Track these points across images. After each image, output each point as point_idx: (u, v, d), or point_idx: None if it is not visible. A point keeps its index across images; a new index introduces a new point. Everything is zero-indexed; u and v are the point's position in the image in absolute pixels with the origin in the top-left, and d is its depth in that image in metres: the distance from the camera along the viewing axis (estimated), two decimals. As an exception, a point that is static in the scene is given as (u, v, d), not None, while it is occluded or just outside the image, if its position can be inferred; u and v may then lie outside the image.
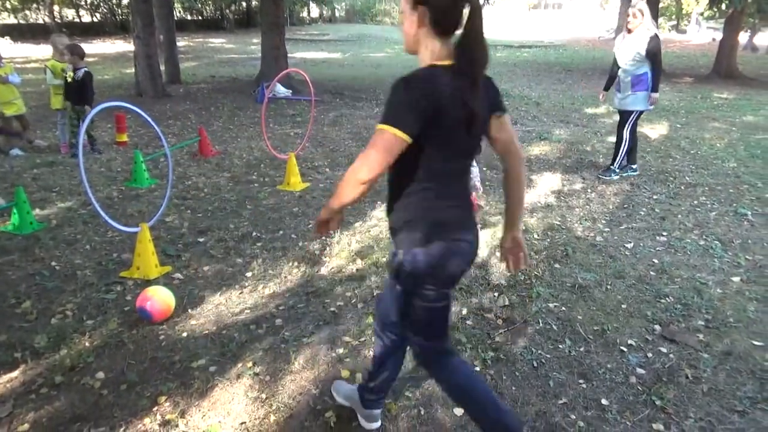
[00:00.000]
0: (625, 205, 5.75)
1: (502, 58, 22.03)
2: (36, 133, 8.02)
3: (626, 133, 6.41)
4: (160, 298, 3.47)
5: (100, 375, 3.02)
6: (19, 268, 4.22)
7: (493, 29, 39.14)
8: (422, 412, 2.80)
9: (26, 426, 2.66)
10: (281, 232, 4.94)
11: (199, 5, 35.72)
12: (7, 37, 23.59)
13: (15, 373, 3.04)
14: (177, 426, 2.68)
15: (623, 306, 3.83)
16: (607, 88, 6.82)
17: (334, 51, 23.92)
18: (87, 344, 3.29)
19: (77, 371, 3.06)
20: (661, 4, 21.49)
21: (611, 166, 6.62)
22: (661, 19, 23.56)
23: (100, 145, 7.67)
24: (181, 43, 19.53)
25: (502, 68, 18.44)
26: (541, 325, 3.58)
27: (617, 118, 6.66)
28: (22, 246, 4.59)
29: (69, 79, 7.07)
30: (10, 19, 28.65)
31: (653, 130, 9.22)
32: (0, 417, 2.71)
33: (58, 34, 8.36)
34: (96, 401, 2.84)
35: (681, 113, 10.93)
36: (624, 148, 6.46)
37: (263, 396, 2.89)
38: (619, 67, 6.34)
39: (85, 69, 7.05)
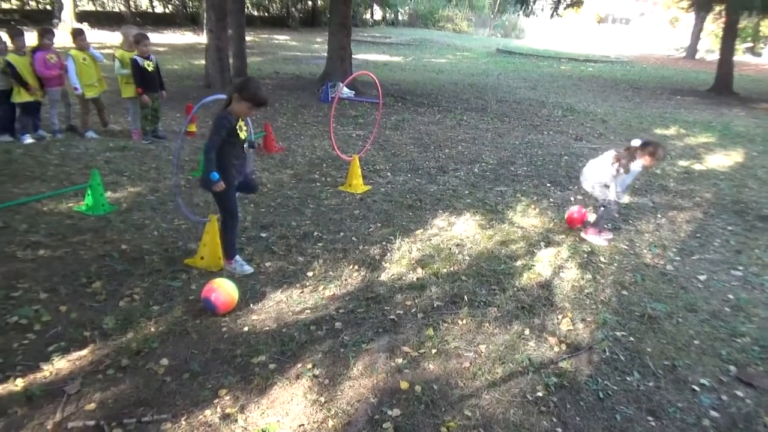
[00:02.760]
0: (698, 234, 5.49)
1: (566, 72, 21.55)
2: (110, 117, 8.31)
3: None
4: (225, 291, 3.52)
5: (164, 361, 3.08)
6: (91, 248, 4.36)
7: (556, 41, 38.43)
8: (482, 434, 2.72)
9: (93, 405, 2.73)
10: (342, 233, 4.94)
11: (267, 2, 36.48)
12: (85, 23, 24.68)
13: (84, 352, 3.13)
14: (236, 421, 2.70)
15: (695, 342, 3.64)
16: None
17: (395, 54, 23.96)
18: (152, 329, 3.36)
19: (142, 355, 3.12)
20: (738, 25, 20.53)
21: None
22: (736, 41, 22.41)
23: (169, 134, 7.90)
24: (248, 38, 19.92)
25: (567, 82, 18.04)
26: (607, 354, 3.44)
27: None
28: (94, 227, 4.75)
29: (150, 69, 7.29)
30: (89, 6, 29.98)
31: (727, 158, 8.80)
32: (69, 394, 2.79)
33: (129, 26, 8.65)
34: (159, 387, 2.89)
35: (757, 140, 10.39)
36: None
37: (322, 399, 2.88)
38: None
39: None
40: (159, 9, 33.08)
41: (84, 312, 3.50)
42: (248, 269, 4.14)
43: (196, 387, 2.91)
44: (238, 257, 4.17)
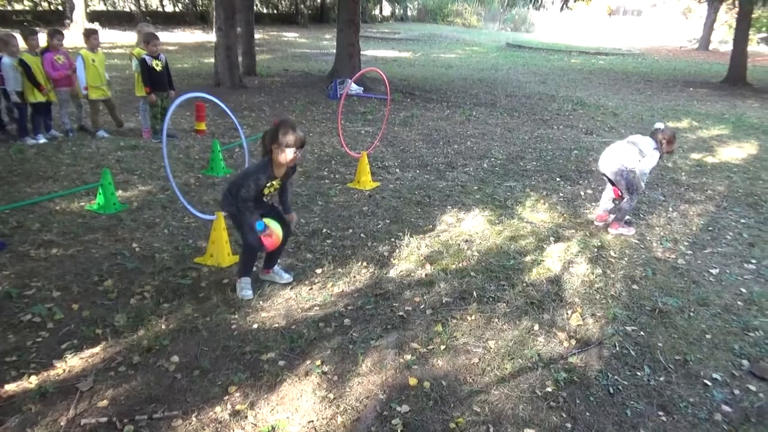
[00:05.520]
0: (710, 228, 5.44)
1: (576, 65, 21.39)
2: (122, 117, 8.36)
3: None
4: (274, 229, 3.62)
5: (175, 359, 3.11)
6: (103, 246, 4.41)
7: (567, 34, 38.12)
8: (491, 430, 2.72)
9: (105, 402, 2.76)
10: (350, 230, 4.94)
11: (276, -1, 36.56)
12: (96, 23, 24.86)
13: (96, 349, 3.16)
14: (246, 417, 2.71)
15: (707, 336, 3.61)
16: None
17: (404, 50, 23.90)
18: (163, 327, 3.39)
19: (153, 353, 3.15)
20: (752, 15, 20.23)
21: None
22: (750, 31, 22.13)
23: (179, 132, 7.95)
24: (257, 36, 19.96)
25: (577, 75, 17.90)
26: (617, 348, 3.42)
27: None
28: (105, 225, 4.79)
29: (158, 68, 7.33)
30: (100, 6, 30.18)
31: (741, 150, 8.70)
32: (82, 390, 2.83)
33: (146, 24, 8.71)
34: (170, 384, 2.91)
35: (771, 132, 10.26)
36: None
37: (331, 396, 2.89)
38: None
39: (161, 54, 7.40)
40: (169, 8, 33.22)
41: (96, 310, 3.54)
42: (245, 294, 3.74)
43: (206, 384, 2.94)
44: (245, 279, 3.80)
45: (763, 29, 35.55)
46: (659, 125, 5.03)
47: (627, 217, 5.25)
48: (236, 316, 3.55)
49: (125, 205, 5.22)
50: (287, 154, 3.47)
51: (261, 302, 3.72)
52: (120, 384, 2.90)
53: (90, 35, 7.47)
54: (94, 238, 4.54)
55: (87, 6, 25.93)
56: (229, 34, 11.72)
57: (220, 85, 11.88)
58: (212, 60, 12.84)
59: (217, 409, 2.76)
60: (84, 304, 3.59)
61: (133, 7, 30.57)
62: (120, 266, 4.10)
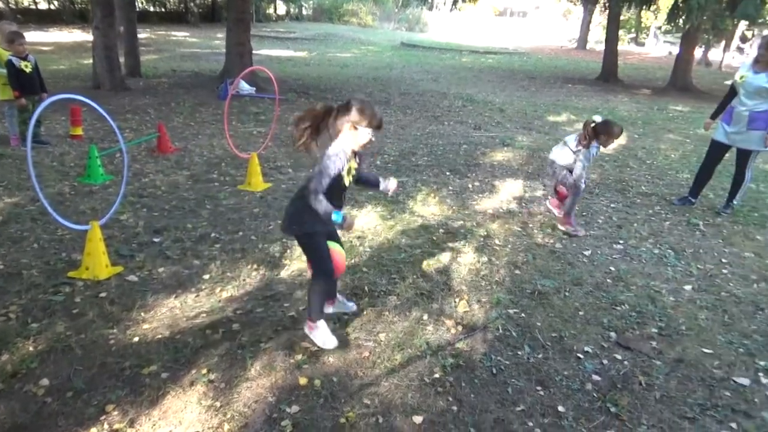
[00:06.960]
0: (584, 213, 5.86)
1: (467, 64, 22.22)
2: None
3: (748, 172, 5.95)
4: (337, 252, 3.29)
5: (45, 382, 2.88)
6: (-40, 266, 4.00)
7: (458, 34, 39.50)
8: (380, 420, 2.77)
9: (-39, 436, 2.52)
10: (241, 233, 4.83)
11: (163, -3, 34.89)
12: (-44, 22, 22.53)
13: (-49, 380, 2.87)
14: (125, 436, 2.58)
15: (580, 313, 3.89)
16: (714, 117, 6.20)
17: (300, 49, 23.68)
18: (31, 349, 3.13)
19: (19, 378, 2.90)
20: (621, 17, 22.09)
21: (731, 203, 6.14)
22: (620, 32, 24.30)
23: (53, 138, 7.38)
24: (143, 35, 18.99)
25: (467, 73, 18.60)
26: (500, 331, 3.60)
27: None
28: (-37, 243, 4.36)
29: (28, 70, 6.76)
30: (-40, 3, 27.36)
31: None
32: (-68, 427, 2.55)
33: (8, 22, 8.00)
34: (39, 410, 2.70)
35: (638, 124, 11.24)
36: (745, 184, 6.01)
37: (217, 404, 2.81)
38: (734, 99, 5.86)
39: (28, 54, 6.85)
40: (43, 5, 30.73)
41: (-50, 336, 3.21)
42: (331, 342, 3.28)
43: (80, 405, 2.75)
44: (322, 323, 3.31)
45: (632, 30, 38.87)
46: (596, 118, 5.11)
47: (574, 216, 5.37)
48: (114, 330, 3.35)
49: (-12, 220, 4.77)
50: (362, 137, 2.97)
51: (143, 314, 3.54)
52: (-22, 415, 2.64)
53: None
54: (-50, 258, 4.11)
55: (-57, 2, 23.41)
56: (107, 33, 11.02)
57: (99, 87, 11.16)
58: (91, 61, 12.03)
59: (93, 430, 2.59)
60: (-64, 331, 3.24)
61: (1, 5, 27.97)
62: (-20, 286, 3.74)
